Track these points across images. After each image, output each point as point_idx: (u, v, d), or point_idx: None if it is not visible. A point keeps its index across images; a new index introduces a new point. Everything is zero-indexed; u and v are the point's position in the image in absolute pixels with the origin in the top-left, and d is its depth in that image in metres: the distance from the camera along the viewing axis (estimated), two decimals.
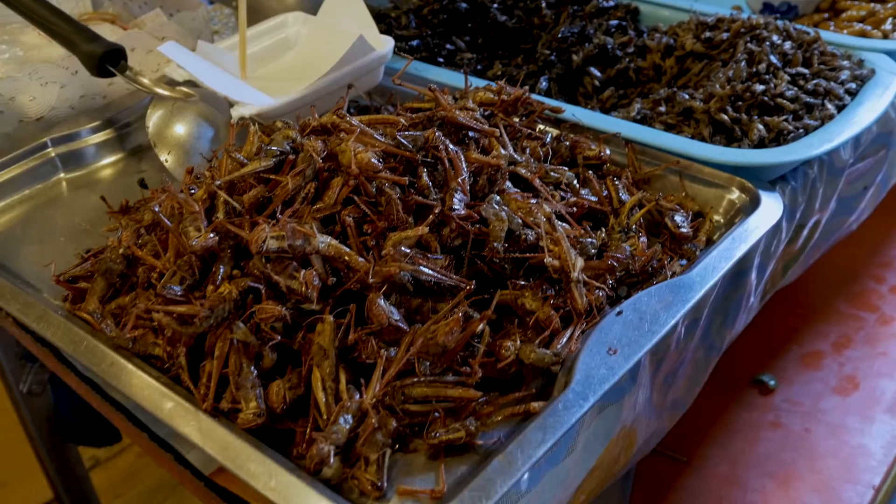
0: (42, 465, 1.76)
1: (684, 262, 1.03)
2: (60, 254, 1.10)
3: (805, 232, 1.34)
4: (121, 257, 0.96)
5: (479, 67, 1.47)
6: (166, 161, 1.19)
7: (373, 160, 0.91)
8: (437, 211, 0.92)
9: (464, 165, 0.97)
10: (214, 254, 0.91)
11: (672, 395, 1.14)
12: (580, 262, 0.90)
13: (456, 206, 0.92)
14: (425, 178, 0.96)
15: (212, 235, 0.89)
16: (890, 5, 1.63)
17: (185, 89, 1.24)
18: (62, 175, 1.32)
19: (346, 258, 0.87)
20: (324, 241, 0.87)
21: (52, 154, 1.31)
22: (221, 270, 0.89)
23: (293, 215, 0.91)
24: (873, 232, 1.88)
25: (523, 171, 1.03)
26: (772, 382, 1.61)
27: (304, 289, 0.84)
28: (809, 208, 1.29)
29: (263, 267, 0.86)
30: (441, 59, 1.46)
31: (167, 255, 0.92)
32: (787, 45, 1.33)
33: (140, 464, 2.16)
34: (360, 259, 0.87)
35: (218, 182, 0.93)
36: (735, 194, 1.11)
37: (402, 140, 0.97)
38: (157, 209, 0.94)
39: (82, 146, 1.35)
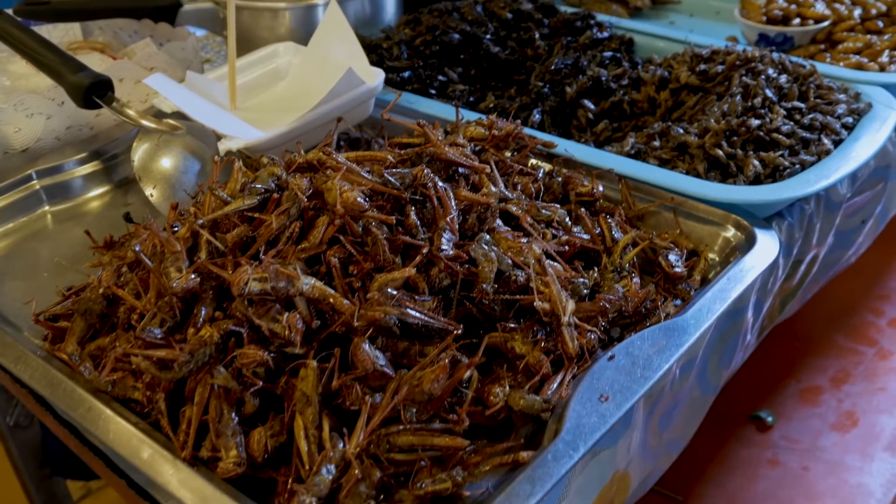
0: (28, 499, 1.72)
1: (678, 302, 1.00)
2: (43, 289, 1.08)
3: (802, 267, 1.32)
4: (101, 297, 0.94)
5: (471, 99, 1.45)
6: (151, 196, 1.17)
7: (359, 199, 0.89)
8: (424, 251, 0.90)
9: (453, 203, 0.95)
10: (196, 294, 0.88)
11: (668, 436, 1.11)
12: (571, 305, 0.88)
13: (444, 247, 0.90)
14: (413, 216, 0.94)
15: (193, 276, 0.86)
16: (886, 37, 1.61)
17: (172, 122, 1.22)
18: (47, 208, 1.29)
19: (331, 300, 0.85)
20: (308, 283, 0.85)
21: (37, 186, 1.29)
22: (203, 312, 0.87)
23: (277, 256, 0.89)
24: (871, 263, 1.86)
25: (514, 208, 1.01)
26: (770, 419, 1.59)
27: (287, 332, 0.82)
28: (806, 244, 1.27)
29: (245, 310, 0.83)
30: (433, 91, 1.44)
31: (148, 296, 0.90)
32: (783, 78, 1.31)
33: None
34: (346, 301, 0.85)
35: (200, 221, 0.91)
36: (730, 232, 1.09)
37: (390, 178, 0.95)
38: (137, 248, 0.91)
39: (68, 178, 1.32)
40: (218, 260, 0.89)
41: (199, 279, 0.87)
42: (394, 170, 0.98)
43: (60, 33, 1.68)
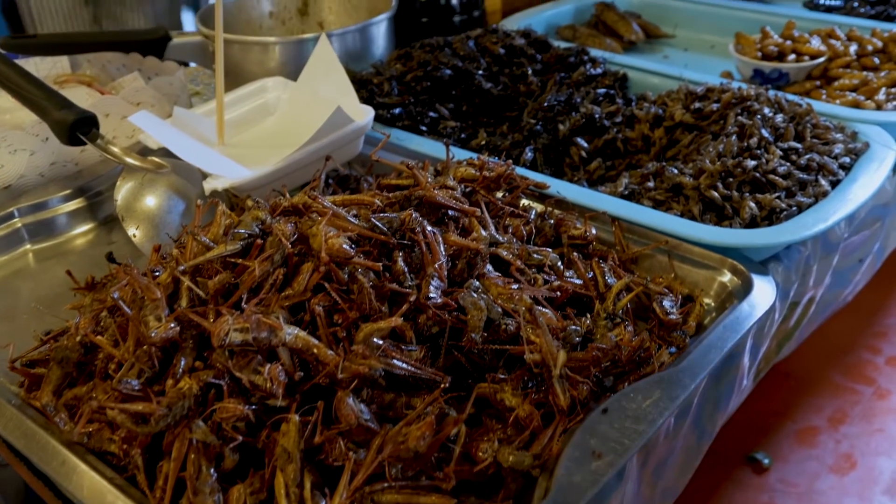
0: None
1: (673, 349, 0.98)
2: (22, 332, 1.05)
3: (799, 309, 1.30)
4: (78, 345, 0.91)
5: (462, 136, 1.43)
6: (134, 236, 1.14)
7: (344, 246, 0.87)
8: (412, 299, 0.87)
9: (442, 249, 0.93)
10: (176, 343, 0.85)
11: (662, 485, 1.08)
12: (562, 357, 0.85)
13: (432, 295, 0.88)
14: (401, 262, 0.91)
15: (173, 325, 0.84)
16: (883, 74, 1.60)
17: (156, 160, 1.20)
18: (28, 246, 1.27)
19: (315, 351, 0.82)
20: (291, 333, 0.82)
21: (19, 224, 1.27)
22: (182, 363, 0.84)
23: (259, 304, 0.86)
24: (868, 300, 1.84)
25: (504, 252, 0.99)
26: (766, 461, 1.56)
27: (268, 385, 0.79)
28: (803, 286, 1.25)
29: (226, 361, 0.81)
30: (424, 128, 1.42)
31: (126, 344, 0.87)
32: (779, 117, 1.29)
33: None
34: (330, 352, 0.82)
35: (181, 267, 0.88)
36: (726, 277, 1.06)
37: (377, 222, 0.93)
38: (116, 296, 0.88)
39: (51, 216, 1.30)
40: (199, 308, 0.86)
41: (178, 328, 0.84)
42: (381, 214, 0.95)
43: (48, 66, 1.66)
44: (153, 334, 0.83)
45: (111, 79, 1.62)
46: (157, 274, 0.93)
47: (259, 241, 0.90)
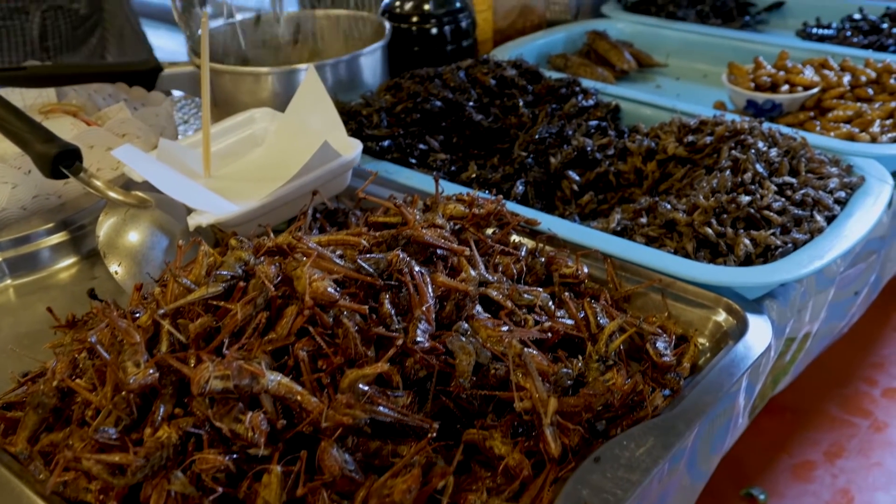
0: None
1: (667, 392, 0.95)
2: (0, 370, 1.02)
3: (795, 345, 1.28)
4: (54, 390, 0.88)
5: (453, 169, 1.41)
6: (116, 273, 1.12)
7: (329, 289, 0.84)
8: (399, 343, 0.85)
9: (430, 291, 0.90)
10: (155, 389, 0.83)
11: None
12: (553, 404, 0.82)
13: (419, 339, 0.85)
14: (387, 305, 0.89)
15: (152, 371, 0.81)
16: (877, 105, 1.59)
17: (140, 194, 1.18)
18: (9, 281, 1.25)
19: (298, 398, 0.80)
20: (273, 380, 0.80)
21: (0, 258, 1.24)
22: (161, 410, 0.81)
23: (242, 348, 0.84)
24: (863, 331, 1.82)
25: (494, 293, 0.96)
26: (762, 497, 1.54)
27: (250, 434, 0.77)
28: (799, 321, 1.23)
29: (206, 410, 0.78)
30: (413, 161, 1.40)
31: (104, 390, 0.85)
32: (773, 151, 1.27)
33: None
34: (314, 399, 0.80)
35: (162, 311, 0.86)
36: (721, 316, 1.04)
37: (363, 264, 0.91)
38: (94, 339, 0.86)
39: (34, 250, 1.28)
40: (179, 354, 0.84)
41: (157, 375, 0.82)
42: (368, 255, 0.93)
43: (34, 95, 1.64)
44: (131, 381, 0.80)
45: (97, 108, 1.60)
46: (137, 315, 0.90)
47: (242, 283, 0.88)
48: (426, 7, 1.79)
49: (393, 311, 0.89)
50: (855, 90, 1.65)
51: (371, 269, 0.91)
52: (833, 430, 1.66)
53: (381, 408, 0.81)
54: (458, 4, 1.81)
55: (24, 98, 1.62)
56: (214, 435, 0.79)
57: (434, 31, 1.79)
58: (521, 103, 1.49)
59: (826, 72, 1.70)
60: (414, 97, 1.46)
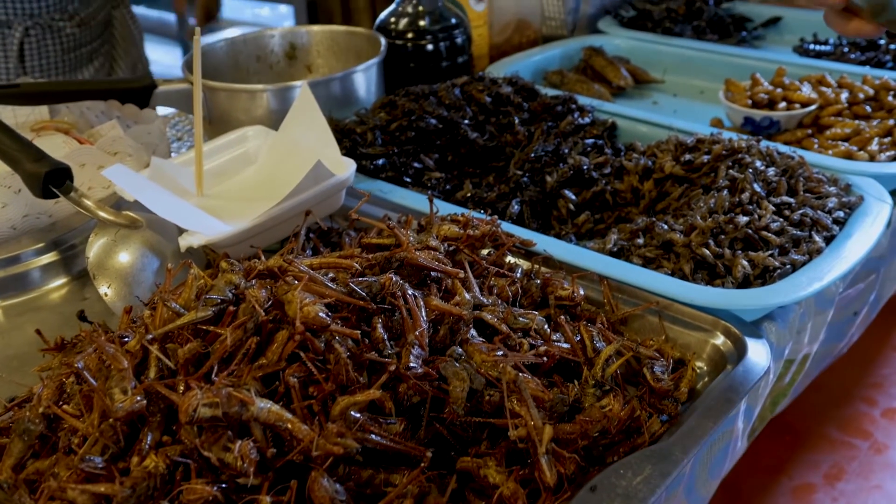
0: None
1: (665, 417, 0.94)
2: None
3: (794, 367, 1.26)
4: (40, 417, 0.86)
5: (448, 188, 1.39)
6: (106, 295, 1.10)
7: (320, 314, 0.83)
8: (391, 369, 0.83)
9: (423, 315, 0.89)
10: (143, 416, 0.81)
11: None
12: (549, 432, 0.81)
13: (412, 364, 0.84)
14: (380, 329, 0.87)
15: (139, 399, 0.79)
16: (875, 123, 1.58)
17: (131, 214, 1.16)
18: None
19: (289, 426, 0.78)
20: (263, 407, 0.78)
21: None
22: (149, 438, 0.80)
23: (231, 374, 0.82)
24: (862, 350, 1.80)
25: (489, 316, 0.95)
26: None
27: (239, 463, 0.75)
28: (798, 343, 1.22)
29: (194, 438, 0.76)
30: (408, 179, 1.38)
31: (91, 417, 0.83)
32: (771, 171, 1.26)
33: None
34: (304, 427, 0.78)
35: (150, 336, 0.84)
36: (719, 339, 1.03)
37: (356, 287, 0.89)
38: (80, 365, 0.84)
39: (23, 270, 1.26)
40: (168, 380, 0.82)
41: (145, 402, 0.80)
42: (360, 278, 0.92)
43: (27, 111, 1.63)
44: (118, 408, 0.79)
45: (90, 125, 1.59)
46: (126, 340, 0.89)
47: (232, 307, 0.87)
48: (421, 23, 1.78)
49: (386, 336, 0.87)
50: (853, 107, 1.64)
51: (363, 293, 0.90)
52: (833, 451, 1.64)
53: (373, 436, 0.79)
54: (453, 20, 1.80)
55: (16, 115, 1.61)
56: (203, 464, 0.77)
57: (429, 47, 1.78)
58: (516, 121, 1.48)
59: (824, 88, 1.69)
60: (409, 115, 1.45)
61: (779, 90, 1.67)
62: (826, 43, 2.10)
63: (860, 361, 1.85)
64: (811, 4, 0.91)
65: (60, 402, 0.89)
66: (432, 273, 0.98)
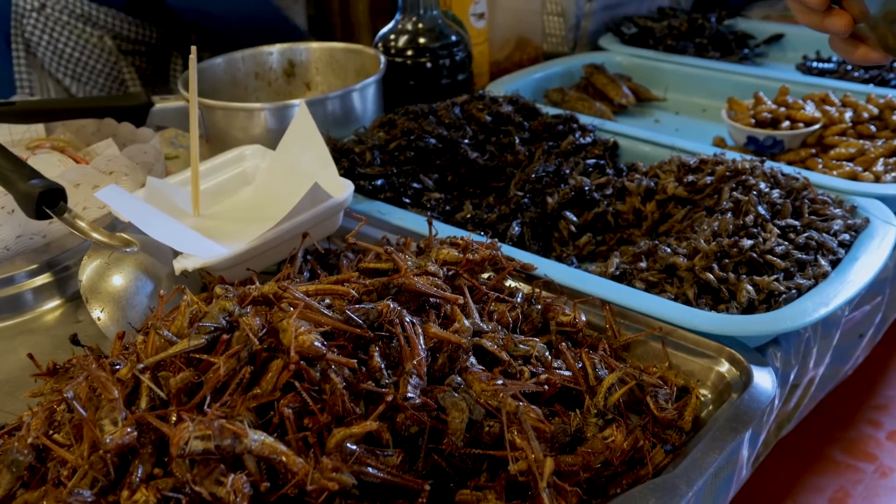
0: None
1: (668, 448, 0.92)
2: None
3: (799, 391, 1.24)
4: (29, 447, 0.84)
5: (447, 208, 1.37)
6: (98, 319, 1.08)
7: (315, 343, 0.81)
8: (389, 399, 0.81)
9: (421, 343, 0.87)
10: (134, 447, 0.79)
11: None
12: (550, 465, 0.79)
13: (410, 394, 0.82)
14: (377, 358, 0.85)
15: (129, 430, 0.77)
16: (880, 143, 1.56)
17: (125, 236, 1.14)
18: None
19: (283, 458, 0.76)
20: (257, 439, 0.76)
21: None
22: (139, 471, 0.77)
23: (224, 405, 0.80)
24: (866, 372, 1.78)
25: (489, 343, 0.93)
26: None
27: (231, 497, 0.73)
28: (804, 367, 1.20)
29: (186, 472, 0.74)
30: (407, 200, 1.36)
31: (81, 448, 0.81)
32: (776, 193, 1.24)
33: None
34: (299, 460, 0.76)
35: (141, 365, 0.82)
36: (724, 367, 1.01)
37: (352, 315, 0.87)
38: (70, 395, 0.82)
39: (16, 292, 1.24)
40: (159, 411, 0.80)
41: (135, 434, 0.78)
42: (357, 305, 0.90)
43: (22, 129, 1.61)
44: (108, 440, 0.76)
45: (86, 143, 1.57)
46: (117, 367, 0.87)
47: (225, 335, 0.85)
48: (421, 40, 1.76)
49: (383, 365, 0.85)
50: (857, 126, 1.62)
51: (360, 321, 0.88)
52: (838, 475, 1.62)
53: (369, 468, 0.77)
54: (453, 38, 1.78)
55: (11, 133, 1.60)
56: (195, 498, 0.75)
57: (429, 64, 1.76)
58: (517, 140, 1.46)
59: (827, 107, 1.68)
60: (408, 134, 1.43)
61: (782, 109, 1.65)
62: (829, 60, 2.09)
63: (865, 383, 1.83)
64: (816, 27, 0.89)
65: (51, 431, 0.87)
66: (431, 299, 0.96)
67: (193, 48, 1.23)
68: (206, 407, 0.79)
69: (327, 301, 0.91)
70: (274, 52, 1.87)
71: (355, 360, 0.83)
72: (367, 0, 2.63)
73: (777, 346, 1.10)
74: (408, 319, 0.89)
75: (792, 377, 1.16)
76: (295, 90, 1.90)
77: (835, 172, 1.48)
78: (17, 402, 1.03)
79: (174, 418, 0.79)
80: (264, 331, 0.85)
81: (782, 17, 2.67)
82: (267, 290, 0.90)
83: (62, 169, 1.42)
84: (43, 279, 1.26)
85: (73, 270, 1.27)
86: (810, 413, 1.41)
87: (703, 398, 0.99)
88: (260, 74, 1.88)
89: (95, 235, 1.13)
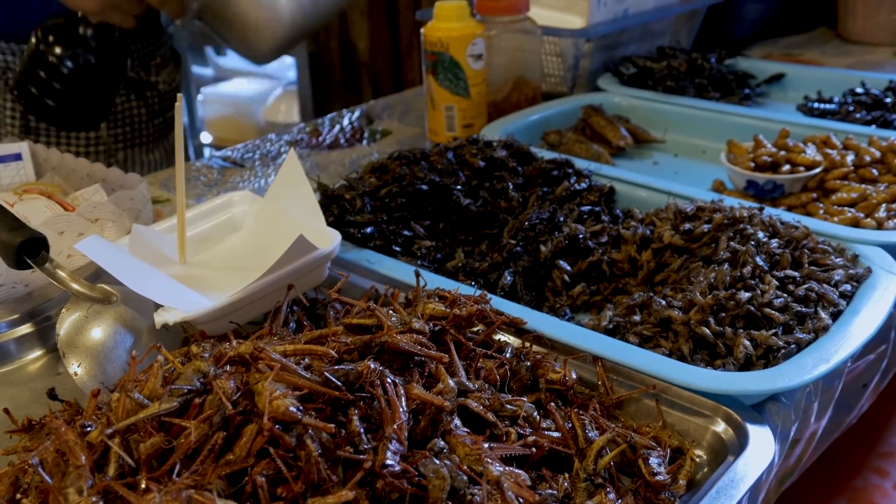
0: None
1: None
2: None
3: (800, 446, 1.20)
4: None
5: (438, 256, 1.34)
6: (76, 374, 1.05)
7: (290, 409, 0.77)
8: (367, 466, 0.78)
9: (403, 405, 0.84)
10: None
11: None
12: None
13: (389, 461, 0.78)
14: (356, 422, 0.82)
15: (94, 500, 0.74)
16: (882, 187, 1.53)
17: (106, 287, 1.12)
18: None
19: None
20: None
21: None
22: None
23: (195, 472, 0.77)
24: (871, 419, 1.74)
25: (474, 404, 0.90)
26: None
27: None
28: (805, 422, 1.16)
29: None
30: (397, 248, 1.33)
31: None
32: (774, 243, 1.21)
33: None
34: None
35: (109, 430, 0.79)
36: (720, 426, 0.97)
37: (331, 377, 0.84)
38: (36, 462, 0.79)
39: None
40: (128, 479, 0.77)
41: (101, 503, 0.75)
42: (337, 366, 0.87)
43: (12, 172, 1.60)
44: None
45: (75, 187, 1.55)
46: (88, 430, 0.84)
47: (198, 399, 0.81)
48: None
49: (362, 429, 0.82)
50: (859, 171, 1.59)
51: (339, 382, 0.85)
52: None
53: None
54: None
55: (0, 175, 1.58)
56: None
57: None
58: (510, 186, 1.43)
59: (829, 150, 1.65)
60: (399, 180, 1.40)
61: (782, 152, 1.62)
62: (830, 101, 2.07)
63: (870, 431, 1.78)
64: None
65: (18, 496, 0.84)
66: (415, 357, 0.93)
67: (179, 95, 1.21)
68: (175, 475, 0.76)
69: (306, 361, 0.87)
70: None
71: (333, 425, 0.80)
72: (367, 40, 2.62)
73: (776, 402, 1.06)
74: (389, 380, 0.86)
75: (792, 433, 1.12)
76: None
77: (836, 219, 1.45)
78: None
79: (143, 486, 0.76)
80: (239, 393, 0.82)
81: (783, 56, 2.66)
82: (244, 350, 0.87)
83: (48, 215, 1.39)
84: (24, 329, 1.24)
85: (55, 320, 1.24)
86: (813, 463, 1.37)
87: (698, 459, 0.96)
88: None
89: (75, 286, 1.11)
